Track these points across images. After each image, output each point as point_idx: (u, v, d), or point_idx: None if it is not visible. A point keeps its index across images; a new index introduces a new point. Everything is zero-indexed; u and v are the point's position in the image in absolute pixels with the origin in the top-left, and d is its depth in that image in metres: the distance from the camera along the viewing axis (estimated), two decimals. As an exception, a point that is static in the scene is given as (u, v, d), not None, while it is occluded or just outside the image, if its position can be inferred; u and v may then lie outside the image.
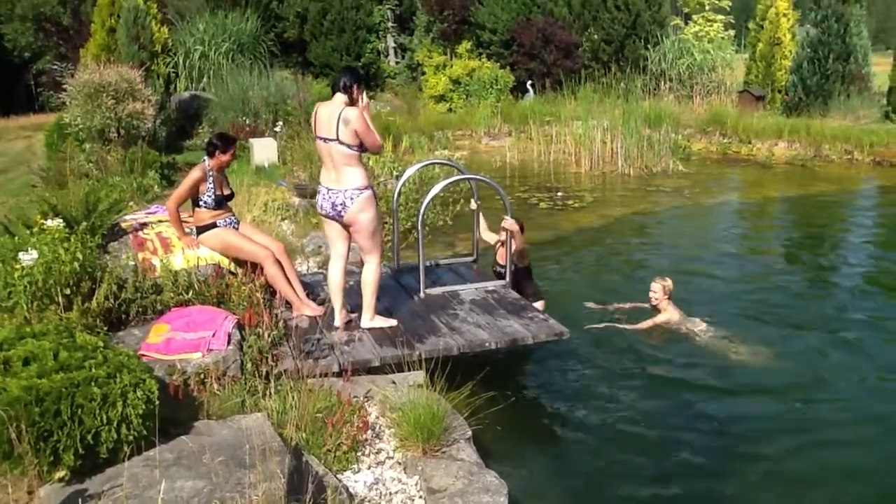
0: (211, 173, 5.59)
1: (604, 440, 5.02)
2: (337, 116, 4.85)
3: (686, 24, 22.22)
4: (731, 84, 19.91)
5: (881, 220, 11.26)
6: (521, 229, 6.37)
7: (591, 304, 7.07)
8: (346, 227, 5.17)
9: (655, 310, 6.76)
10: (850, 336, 6.60)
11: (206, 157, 5.63)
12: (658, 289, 6.71)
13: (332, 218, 5.13)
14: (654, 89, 19.39)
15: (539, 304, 6.28)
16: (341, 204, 5.01)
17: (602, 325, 6.64)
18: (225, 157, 5.64)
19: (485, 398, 4.66)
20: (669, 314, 6.65)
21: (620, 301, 7.14)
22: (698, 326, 6.59)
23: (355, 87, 4.98)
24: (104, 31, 14.60)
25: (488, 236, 6.79)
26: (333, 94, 5.01)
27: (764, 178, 14.03)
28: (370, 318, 5.33)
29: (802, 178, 13.85)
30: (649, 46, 20.11)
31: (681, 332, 6.56)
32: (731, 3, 23.16)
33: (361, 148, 4.98)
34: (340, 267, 5.31)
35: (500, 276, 6.44)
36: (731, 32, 21.80)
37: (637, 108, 15.42)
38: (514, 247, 6.24)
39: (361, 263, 5.42)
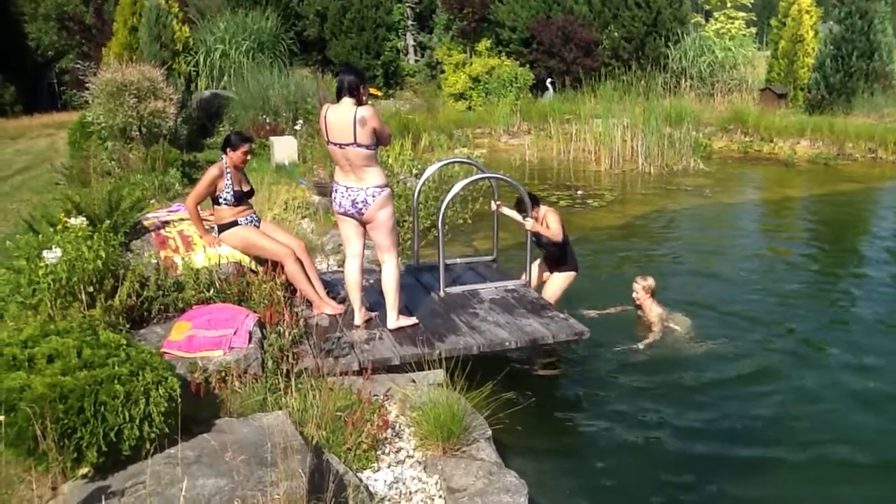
0: (228, 170, 5.61)
1: (624, 442, 4.99)
2: (352, 120, 4.80)
3: (707, 21, 22.03)
4: (753, 82, 19.73)
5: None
6: (536, 202, 6.35)
7: (591, 313, 6.88)
8: (363, 224, 5.17)
9: (639, 309, 6.77)
10: (868, 339, 6.52)
11: (223, 155, 5.67)
12: (639, 288, 6.71)
13: (351, 216, 5.13)
14: (675, 87, 19.27)
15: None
16: (362, 202, 5.00)
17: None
18: (236, 155, 5.63)
19: (505, 398, 4.64)
20: (653, 313, 6.65)
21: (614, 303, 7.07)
22: (682, 324, 6.60)
23: (362, 87, 4.94)
24: (126, 30, 14.74)
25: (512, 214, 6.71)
26: (339, 97, 4.94)
27: (786, 177, 13.90)
28: (395, 319, 5.32)
29: (825, 177, 13.70)
30: (670, 44, 19.97)
31: (667, 331, 6.56)
32: (752, 1, 22.94)
33: (377, 145, 4.97)
34: (357, 266, 5.31)
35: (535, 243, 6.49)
36: (753, 30, 21.59)
37: (657, 106, 15.32)
38: (548, 234, 6.24)
39: (379, 263, 5.42)
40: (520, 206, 6.34)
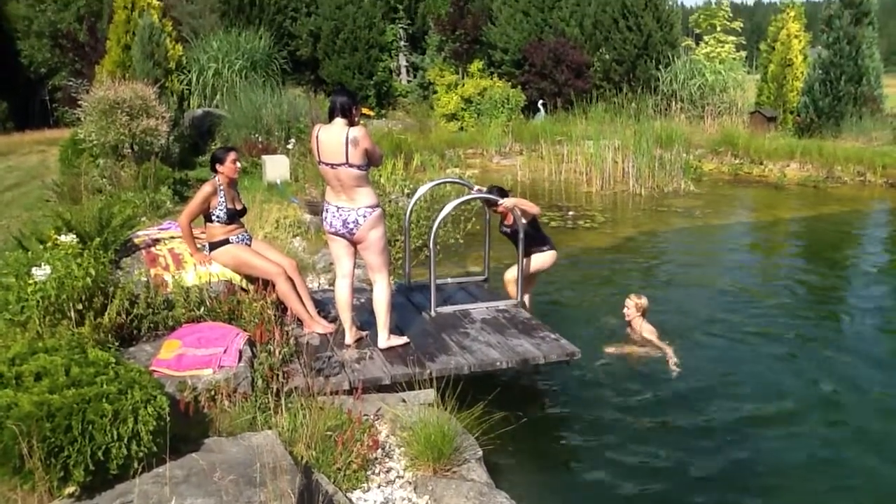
0: (221, 188, 5.62)
1: (616, 462, 4.96)
2: (344, 140, 4.82)
3: (697, 44, 22.28)
4: (743, 105, 19.94)
5: (894, 242, 11.19)
6: (504, 194, 6.37)
7: (611, 350, 6.69)
8: (354, 244, 5.17)
9: (629, 326, 6.78)
10: (854, 359, 6.54)
11: (213, 174, 5.67)
12: (631, 305, 6.74)
13: (342, 235, 5.13)
14: (666, 109, 19.44)
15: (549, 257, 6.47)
16: (353, 222, 5.00)
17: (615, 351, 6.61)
18: (227, 167, 5.64)
19: (496, 418, 4.62)
20: (643, 330, 6.66)
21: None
22: (665, 346, 6.60)
23: (354, 108, 4.96)
24: (119, 47, 14.75)
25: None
26: (331, 117, 4.95)
27: (776, 199, 13.99)
28: (386, 339, 5.31)
29: (815, 200, 13.80)
30: (661, 67, 20.17)
31: (657, 349, 6.57)
32: (742, 25, 23.21)
33: (369, 166, 4.98)
34: (347, 285, 5.30)
35: (507, 235, 6.47)
36: (743, 53, 21.84)
37: (648, 128, 15.44)
38: (524, 215, 6.25)
39: (370, 282, 5.42)
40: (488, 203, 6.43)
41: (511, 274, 6.65)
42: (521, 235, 6.18)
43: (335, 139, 4.86)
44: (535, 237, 6.48)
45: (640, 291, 7.06)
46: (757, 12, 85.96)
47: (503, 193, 6.39)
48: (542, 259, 6.54)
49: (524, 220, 6.25)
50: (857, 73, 17.29)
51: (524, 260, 6.43)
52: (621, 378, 6.16)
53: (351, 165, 4.86)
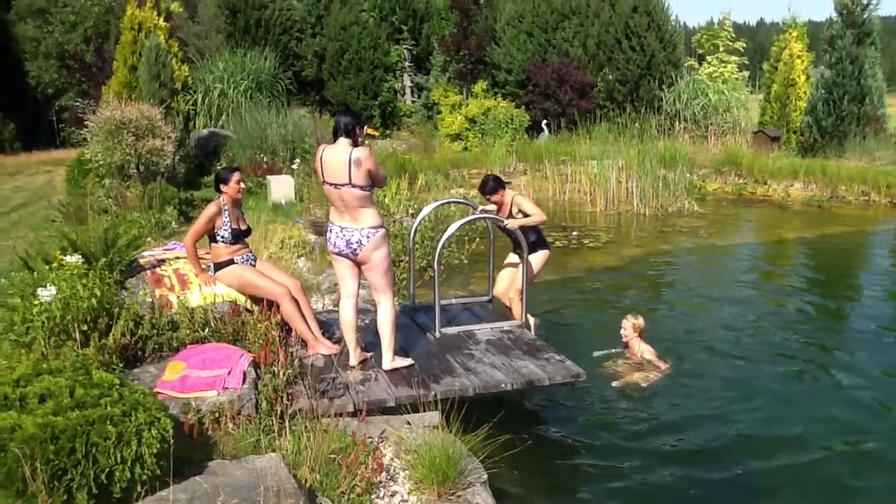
0: (226, 208, 5.64)
1: (621, 488, 4.93)
2: (347, 160, 4.84)
3: (700, 64, 22.33)
4: (746, 125, 19.96)
5: (900, 262, 11.18)
6: (501, 185, 6.40)
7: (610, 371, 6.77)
8: (358, 265, 5.17)
9: (626, 347, 6.78)
10: (859, 381, 6.50)
11: (218, 194, 5.69)
12: (628, 325, 6.74)
13: (346, 256, 5.13)
14: (669, 129, 19.46)
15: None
16: (357, 242, 5.01)
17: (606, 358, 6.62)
18: (231, 187, 5.67)
19: (501, 440, 4.60)
20: (641, 351, 6.66)
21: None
22: (664, 365, 6.59)
23: (358, 129, 4.99)
24: (126, 68, 14.87)
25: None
26: (335, 138, 4.98)
27: (780, 219, 13.98)
28: (391, 360, 5.30)
29: (819, 220, 13.78)
30: (664, 87, 20.22)
31: (656, 369, 6.56)
32: (745, 45, 23.29)
33: (372, 186, 5.00)
34: (352, 305, 5.30)
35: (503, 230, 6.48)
36: (746, 73, 21.88)
37: (652, 148, 15.45)
38: (532, 220, 6.32)
39: (374, 303, 5.41)
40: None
41: (502, 286, 6.67)
42: (523, 242, 6.21)
43: (339, 159, 4.88)
44: (535, 242, 6.48)
45: (642, 311, 7.07)
46: (759, 32, 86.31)
47: (500, 183, 6.37)
48: (536, 260, 6.53)
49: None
50: (860, 92, 17.32)
51: (521, 262, 6.42)
52: (627, 400, 6.14)
53: (354, 186, 4.87)
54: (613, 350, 6.87)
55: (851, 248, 11.92)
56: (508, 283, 6.76)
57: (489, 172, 6.50)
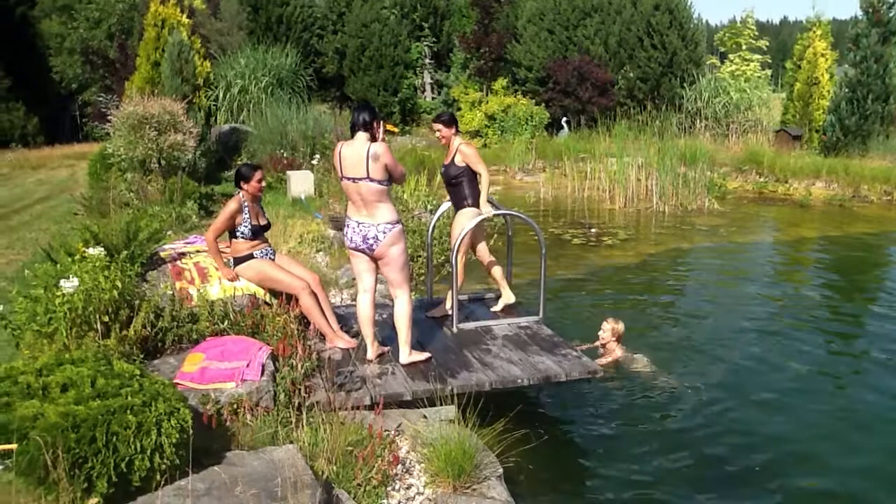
0: (246, 204, 5.68)
1: (637, 484, 4.92)
2: (365, 155, 4.88)
3: (722, 63, 22.19)
4: (768, 123, 19.80)
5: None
6: (453, 122, 6.20)
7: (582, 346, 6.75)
8: (375, 260, 5.20)
9: (602, 348, 6.75)
10: (877, 386, 6.43)
11: (238, 190, 5.73)
12: (608, 329, 6.71)
13: (362, 251, 5.16)
14: (690, 127, 19.36)
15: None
16: (373, 237, 5.04)
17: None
18: (252, 185, 5.71)
19: (517, 435, 4.61)
20: (615, 355, 6.63)
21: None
22: (640, 365, 6.56)
23: (375, 123, 5.02)
24: (149, 64, 14.98)
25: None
26: (353, 132, 5.02)
27: (801, 218, 13.85)
28: (408, 354, 5.32)
29: (841, 219, 13.64)
30: (685, 85, 20.12)
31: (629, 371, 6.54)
32: (768, 43, 23.10)
33: (390, 182, 5.02)
34: (369, 300, 5.33)
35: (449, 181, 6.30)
36: (768, 72, 21.72)
37: (672, 146, 15.38)
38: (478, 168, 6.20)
39: (391, 297, 5.43)
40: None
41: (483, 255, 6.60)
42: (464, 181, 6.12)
43: (357, 153, 4.92)
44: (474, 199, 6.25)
45: (658, 311, 7.01)
46: (783, 30, 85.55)
47: (454, 121, 6.19)
48: (468, 215, 6.23)
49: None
50: (885, 91, 17.12)
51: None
52: (644, 397, 6.12)
53: (372, 180, 4.90)
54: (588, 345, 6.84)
55: (873, 249, 11.78)
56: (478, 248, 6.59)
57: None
